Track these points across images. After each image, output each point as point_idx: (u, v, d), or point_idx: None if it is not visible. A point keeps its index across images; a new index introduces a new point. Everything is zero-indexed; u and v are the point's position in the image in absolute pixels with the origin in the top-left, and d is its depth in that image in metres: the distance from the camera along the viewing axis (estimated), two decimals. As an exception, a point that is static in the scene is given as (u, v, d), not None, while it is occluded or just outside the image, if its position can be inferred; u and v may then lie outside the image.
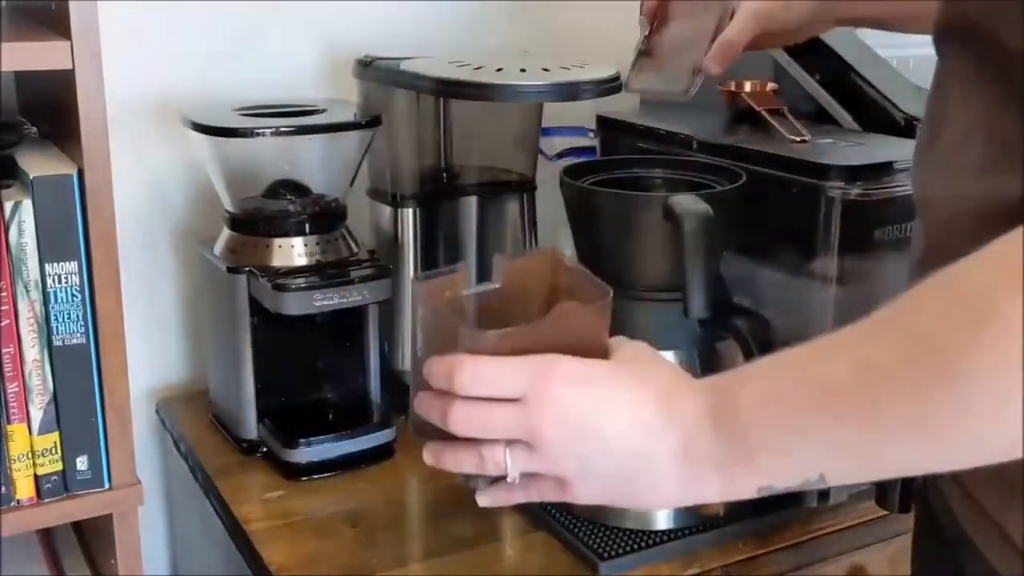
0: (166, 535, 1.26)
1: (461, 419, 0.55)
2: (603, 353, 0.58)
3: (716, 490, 0.53)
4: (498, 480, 0.58)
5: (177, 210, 1.20)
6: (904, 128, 0.99)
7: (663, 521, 0.88)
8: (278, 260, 1.00)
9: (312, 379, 1.09)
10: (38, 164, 0.87)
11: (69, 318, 0.86)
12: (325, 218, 1.03)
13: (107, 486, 0.90)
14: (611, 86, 0.96)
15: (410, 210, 1.13)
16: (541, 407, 0.54)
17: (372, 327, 1.06)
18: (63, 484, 0.89)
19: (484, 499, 0.60)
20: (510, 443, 0.55)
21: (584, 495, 0.56)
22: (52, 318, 0.85)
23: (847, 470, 0.50)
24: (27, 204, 0.83)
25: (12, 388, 0.85)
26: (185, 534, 1.21)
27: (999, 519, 0.55)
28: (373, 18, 1.24)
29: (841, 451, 0.49)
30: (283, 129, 0.99)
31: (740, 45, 0.87)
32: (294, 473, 0.99)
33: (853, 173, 0.86)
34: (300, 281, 0.97)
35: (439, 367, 0.55)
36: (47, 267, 0.84)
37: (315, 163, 1.06)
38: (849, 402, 0.47)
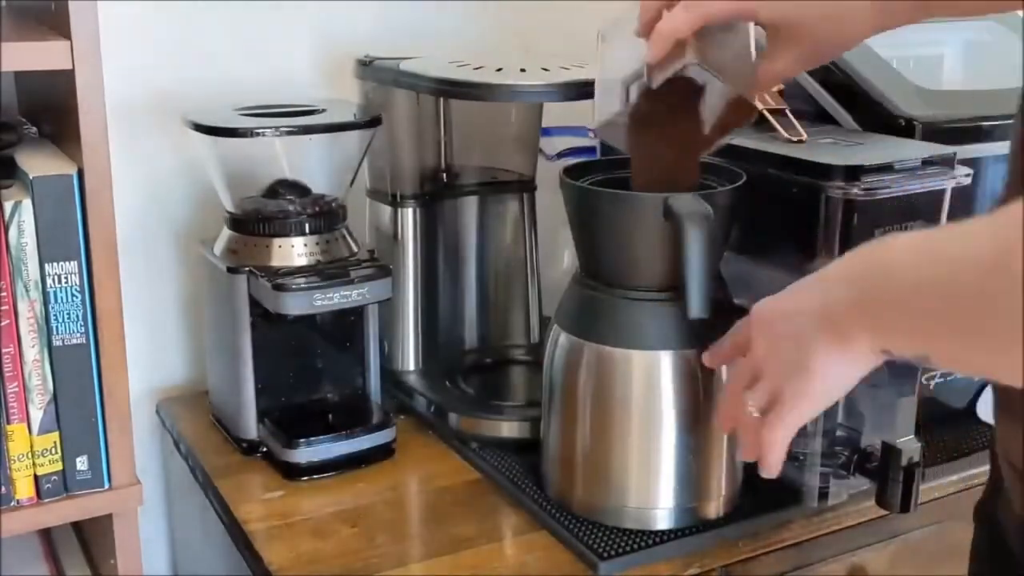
0: (166, 535, 1.26)
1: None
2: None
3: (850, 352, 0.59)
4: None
5: (177, 210, 1.20)
6: (904, 128, 0.99)
7: (663, 521, 0.88)
8: (278, 260, 1.00)
9: (312, 379, 1.09)
10: (38, 164, 0.87)
11: (69, 318, 0.86)
12: (325, 218, 1.03)
13: (107, 486, 0.90)
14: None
15: (410, 210, 1.13)
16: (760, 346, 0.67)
17: (372, 327, 1.06)
18: (63, 484, 0.89)
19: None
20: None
21: (791, 401, 0.65)
22: (52, 318, 0.85)
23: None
24: (27, 204, 0.83)
25: (12, 388, 0.85)
26: (185, 534, 1.21)
27: None
28: (373, 18, 1.24)
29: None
30: (283, 129, 0.99)
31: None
32: (294, 473, 0.99)
33: (853, 173, 0.86)
34: (300, 281, 0.97)
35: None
36: (47, 267, 0.85)
37: (315, 163, 1.06)
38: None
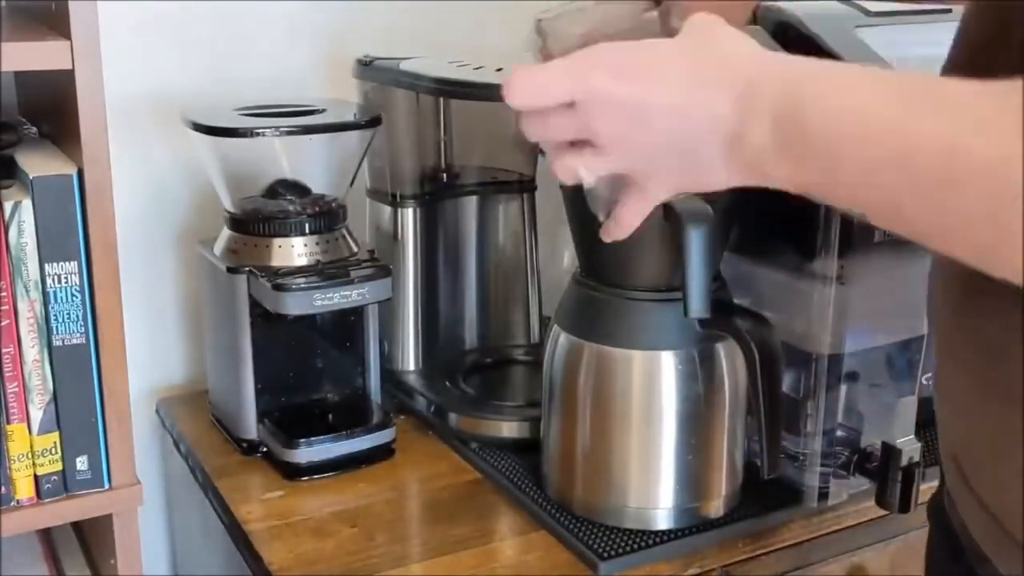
0: (166, 535, 1.26)
1: (528, 131, 0.55)
2: None
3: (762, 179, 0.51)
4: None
5: (177, 210, 1.20)
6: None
7: (663, 521, 0.88)
8: (278, 260, 1.00)
9: (312, 379, 1.09)
10: (38, 164, 0.87)
11: (69, 318, 0.86)
12: (325, 218, 1.03)
13: (107, 486, 0.90)
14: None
15: (410, 210, 1.13)
16: (589, 106, 0.53)
17: (372, 327, 1.06)
18: (63, 484, 0.89)
19: (604, 234, 0.62)
20: (580, 148, 0.55)
21: (660, 189, 0.57)
22: (52, 318, 0.85)
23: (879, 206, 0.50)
24: (27, 204, 0.83)
25: (12, 388, 0.85)
26: (185, 534, 1.21)
27: None
28: (373, 18, 1.24)
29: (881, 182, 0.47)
30: (283, 129, 0.99)
31: None
32: (294, 473, 0.99)
33: (853, 173, 0.86)
34: (300, 281, 0.97)
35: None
36: (47, 267, 0.84)
37: (315, 163, 1.06)
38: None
